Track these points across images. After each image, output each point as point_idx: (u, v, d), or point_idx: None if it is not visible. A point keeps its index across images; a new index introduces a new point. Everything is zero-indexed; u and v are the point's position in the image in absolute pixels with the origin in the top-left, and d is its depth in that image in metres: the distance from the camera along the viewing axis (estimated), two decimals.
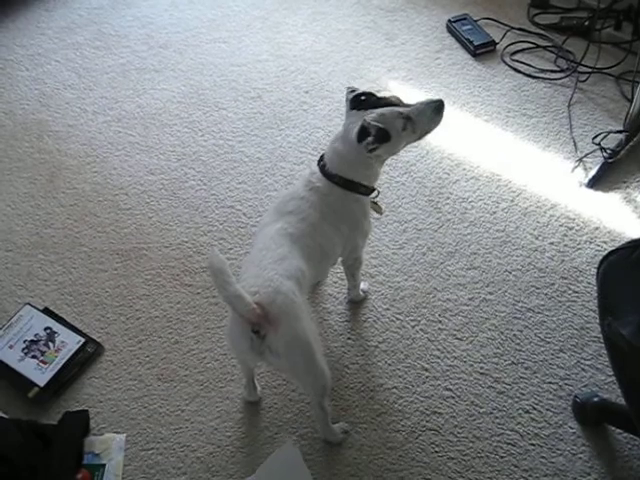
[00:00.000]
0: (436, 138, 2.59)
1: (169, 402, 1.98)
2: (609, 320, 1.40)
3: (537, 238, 2.29)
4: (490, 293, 2.16)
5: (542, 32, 3.01)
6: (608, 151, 2.44)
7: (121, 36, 3.19)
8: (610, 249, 2.15)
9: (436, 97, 1.81)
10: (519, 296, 2.15)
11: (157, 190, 2.52)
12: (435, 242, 2.29)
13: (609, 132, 2.49)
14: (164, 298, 2.21)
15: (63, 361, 2.05)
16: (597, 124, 2.62)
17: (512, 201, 2.39)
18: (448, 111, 2.62)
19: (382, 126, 1.70)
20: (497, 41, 2.95)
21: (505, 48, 2.95)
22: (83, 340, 2.10)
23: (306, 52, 3.01)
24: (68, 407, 1.98)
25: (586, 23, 2.95)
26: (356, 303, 2.17)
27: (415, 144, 2.24)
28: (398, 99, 1.78)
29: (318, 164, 1.82)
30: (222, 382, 2.01)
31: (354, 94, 1.78)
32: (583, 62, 2.79)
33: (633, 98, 2.42)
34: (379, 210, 1.95)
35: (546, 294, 2.15)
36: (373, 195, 1.87)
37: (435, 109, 1.78)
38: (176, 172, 2.58)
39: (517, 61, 2.90)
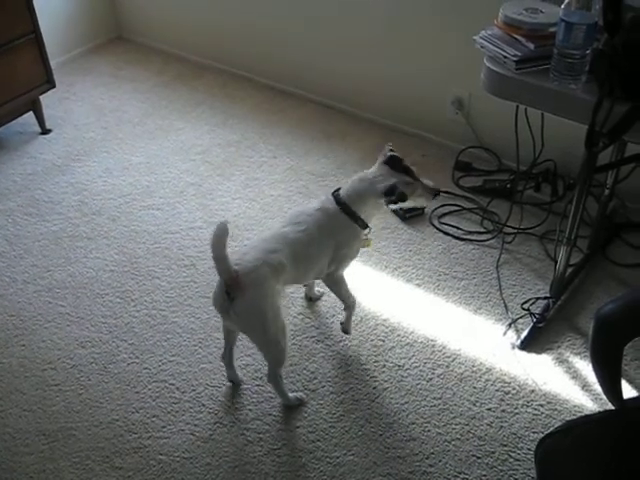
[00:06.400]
0: (369, 304, 2.62)
1: None
2: None
3: (474, 404, 2.28)
4: (431, 465, 2.11)
5: (467, 194, 3.14)
6: (537, 316, 2.50)
7: (54, 203, 3.19)
8: (546, 415, 2.20)
9: (433, 185, 2.36)
10: (460, 467, 2.11)
11: (87, 364, 2.45)
12: (373, 413, 2.26)
13: (537, 298, 2.55)
14: None
15: None
16: (525, 284, 2.69)
17: (448, 367, 2.40)
18: (381, 276, 2.72)
19: (404, 192, 2.17)
20: (425, 205, 3.05)
21: (433, 211, 3.05)
22: None
23: (239, 218, 3.05)
24: None
25: (508, 185, 3.10)
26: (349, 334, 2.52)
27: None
28: (417, 174, 2.29)
29: (333, 193, 2.29)
30: None
31: (393, 154, 2.25)
32: (508, 223, 2.89)
33: (556, 260, 2.50)
34: (368, 244, 2.40)
35: (487, 463, 2.12)
36: (366, 231, 2.32)
37: (433, 195, 2.37)
38: (107, 345, 2.52)
39: (445, 224, 2.99)
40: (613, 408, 1.61)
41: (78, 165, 3.43)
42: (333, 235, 2.24)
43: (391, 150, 2.26)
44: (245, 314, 2.06)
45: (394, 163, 2.25)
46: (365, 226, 2.29)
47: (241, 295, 2.01)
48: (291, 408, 2.28)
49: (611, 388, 1.59)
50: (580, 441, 1.48)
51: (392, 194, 2.16)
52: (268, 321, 2.08)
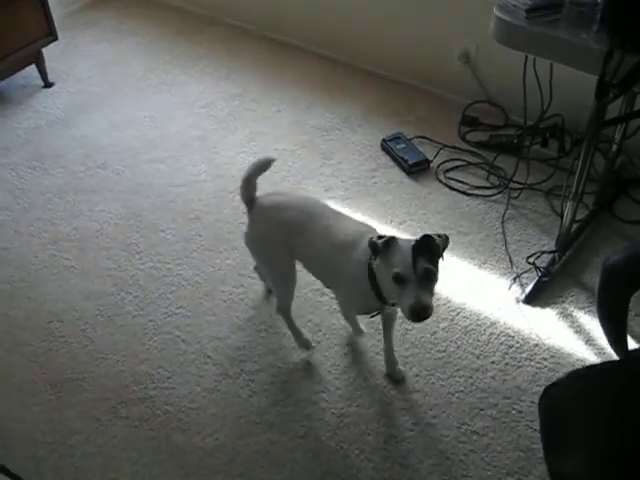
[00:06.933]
0: None
1: None
2: (553, 458, 1.39)
3: (478, 357, 2.29)
4: (434, 417, 2.13)
5: (473, 149, 3.11)
6: (542, 270, 2.49)
7: (58, 156, 3.18)
8: (549, 368, 2.21)
9: (422, 303, 1.71)
10: (463, 419, 2.13)
11: (93, 316, 2.46)
12: (377, 365, 2.26)
13: (542, 252, 2.55)
14: (99, 433, 2.12)
15: None
16: (530, 239, 2.68)
17: (452, 320, 2.41)
18: (385, 230, 2.71)
19: (379, 248, 1.75)
20: (431, 159, 3.04)
21: (439, 166, 3.03)
22: None
23: (244, 172, 3.02)
24: None
25: (515, 140, 3.07)
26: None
27: None
28: (433, 275, 1.75)
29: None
30: None
31: (430, 235, 1.78)
32: (514, 178, 2.88)
33: (562, 215, 2.49)
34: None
35: (490, 415, 2.13)
36: (388, 309, 2.01)
37: (412, 312, 1.72)
38: (113, 297, 2.52)
39: (451, 178, 2.98)
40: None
41: (82, 119, 3.41)
42: (336, 265, 2.00)
43: (438, 236, 1.81)
44: (245, 239, 2.23)
45: (425, 246, 1.76)
46: (381, 298, 1.89)
47: (249, 222, 2.18)
48: (297, 361, 2.30)
49: (617, 339, 1.60)
50: (584, 392, 1.48)
51: (376, 242, 1.77)
52: (259, 256, 2.25)
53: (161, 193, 2.96)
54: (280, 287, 2.24)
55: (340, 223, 2.03)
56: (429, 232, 1.80)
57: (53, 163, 3.14)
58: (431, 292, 1.74)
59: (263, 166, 2.11)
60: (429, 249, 1.75)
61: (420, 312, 1.71)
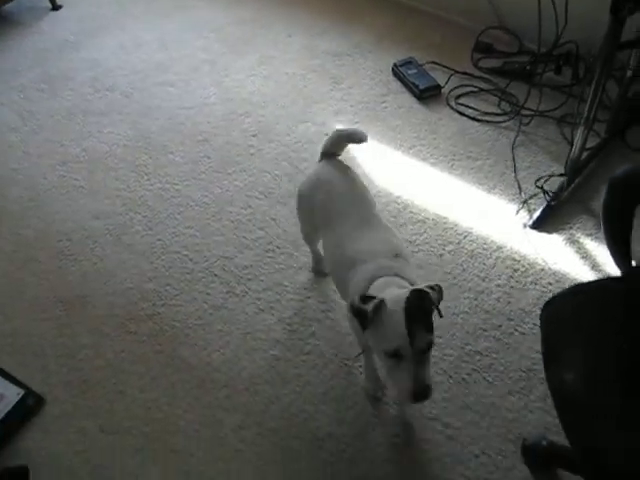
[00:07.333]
0: (382, 182, 2.61)
1: (113, 455, 1.93)
2: (551, 370, 1.41)
3: (484, 280, 2.30)
4: (438, 337, 2.15)
5: (486, 76, 3.07)
6: (551, 194, 2.48)
7: (67, 78, 3.16)
8: (554, 292, 2.21)
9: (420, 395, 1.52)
10: (467, 339, 2.15)
11: (102, 235, 2.48)
12: None
13: (551, 175, 2.53)
14: (108, 347, 2.17)
15: (2, 415, 1.99)
16: (540, 166, 2.66)
17: (459, 243, 2.41)
18: (394, 154, 2.70)
19: (368, 313, 1.50)
20: (442, 85, 3.00)
21: (450, 92, 2.99)
22: (23, 392, 2.04)
23: (253, 95, 3.01)
24: (6, 462, 1.90)
25: (528, 67, 3.02)
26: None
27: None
28: (432, 345, 1.54)
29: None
30: (167, 434, 1.96)
31: (424, 295, 1.52)
32: (525, 105, 2.84)
33: (573, 142, 2.46)
34: None
35: (493, 336, 2.15)
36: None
37: (414, 397, 1.52)
38: (121, 217, 2.54)
39: (462, 104, 2.94)
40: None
41: (91, 41, 3.38)
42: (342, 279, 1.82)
43: (432, 288, 1.55)
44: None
45: (419, 306, 1.51)
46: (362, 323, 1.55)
47: (310, 172, 2.10)
48: (304, 280, 2.32)
49: (621, 257, 1.59)
50: (580, 310, 1.48)
51: (365, 306, 1.51)
52: (297, 198, 2.10)
53: (170, 116, 2.95)
54: (303, 238, 2.23)
55: (363, 232, 1.82)
56: (423, 285, 1.56)
57: (62, 85, 3.12)
58: (428, 364, 1.54)
59: (357, 137, 1.97)
60: (423, 310, 1.52)
61: (422, 396, 1.52)
